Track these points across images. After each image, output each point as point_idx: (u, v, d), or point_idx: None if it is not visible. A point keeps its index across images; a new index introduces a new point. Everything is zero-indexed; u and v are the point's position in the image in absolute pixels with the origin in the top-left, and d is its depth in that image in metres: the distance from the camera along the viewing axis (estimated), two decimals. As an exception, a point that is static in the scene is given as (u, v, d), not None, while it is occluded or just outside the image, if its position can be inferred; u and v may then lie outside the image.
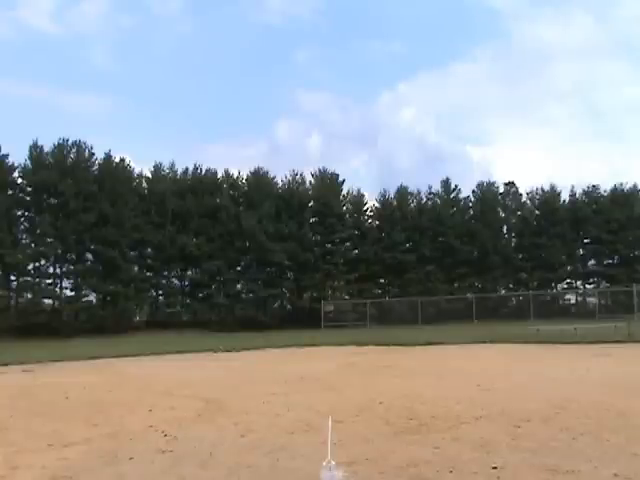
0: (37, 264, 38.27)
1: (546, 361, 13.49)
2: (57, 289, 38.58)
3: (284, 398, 8.66)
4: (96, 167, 39.64)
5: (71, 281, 38.62)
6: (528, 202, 46.81)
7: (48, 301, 38.51)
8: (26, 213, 38.47)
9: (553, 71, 75.12)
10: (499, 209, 46.65)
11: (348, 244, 45.15)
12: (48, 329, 32.21)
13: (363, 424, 6.62)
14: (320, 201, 43.85)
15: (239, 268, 42.84)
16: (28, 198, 37.93)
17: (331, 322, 34.83)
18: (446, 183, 46.34)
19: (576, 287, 46.54)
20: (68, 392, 9.82)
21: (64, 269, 38.55)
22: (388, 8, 78.37)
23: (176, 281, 43.85)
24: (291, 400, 8.47)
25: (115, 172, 39.38)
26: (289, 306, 44.44)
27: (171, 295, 42.97)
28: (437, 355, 16.23)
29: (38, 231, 37.53)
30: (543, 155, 77.19)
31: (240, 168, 46.27)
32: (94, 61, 71.77)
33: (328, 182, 45.46)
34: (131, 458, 5.29)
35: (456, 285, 44.30)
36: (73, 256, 38.53)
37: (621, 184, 45.24)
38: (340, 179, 46.02)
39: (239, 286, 43.11)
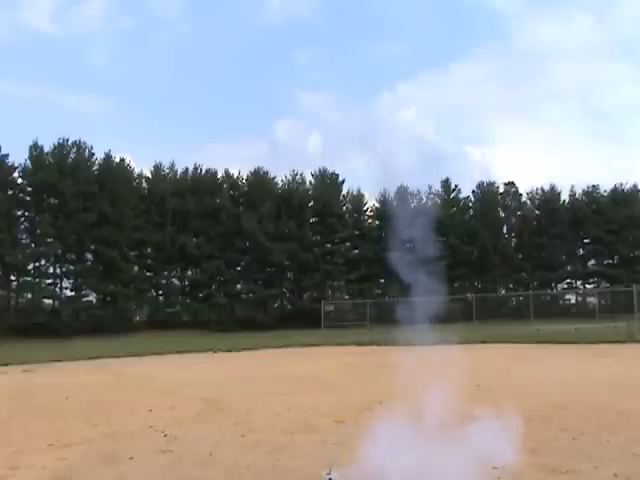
0: (37, 264, 38.27)
1: (546, 361, 13.49)
2: (57, 289, 38.57)
3: (284, 398, 8.66)
4: (96, 167, 39.62)
5: (71, 281, 38.61)
6: (528, 202, 46.78)
7: (48, 301, 38.49)
8: (26, 213, 38.45)
9: (553, 71, 74.90)
10: (499, 209, 46.62)
11: (348, 244, 45.12)
12: (48, 329, 32.18)
13: (363, 424, 6.61)
14: (320, 201, 43.83)
15: (239, 268, 42.80)
16: (28, 198, 37.91)
17: (331, 322, 34.82)
18: (446, 183, 46.31)
19: (576, 287, 46.49)
20: (68, 392, 9.82)
21: (64, 269, 38.52)
22: (388, 8, 78.18)
23: (176, 281, 43.84)
24: (291, 400, 8.46)
25: (115, 172, 39.35)
26: (289, 306, 44.43)
27: (171, 295, 42.96)
28: (437, 355, 16.19)
29: (38, 231, 37.51)
30: (543, 155, 77.00)
31: (240, 168, 46.25)
32: (94, 61, 71.52)
33: (328, 182, 45.44)
34: (131, 458, 5.29)
35: (456, 285, 44.28)
36: (73, 256, 38.50)
37: (621, 184, 45.27)
38: (340, 179, 46.04)
39: (239, 286, 43.07)
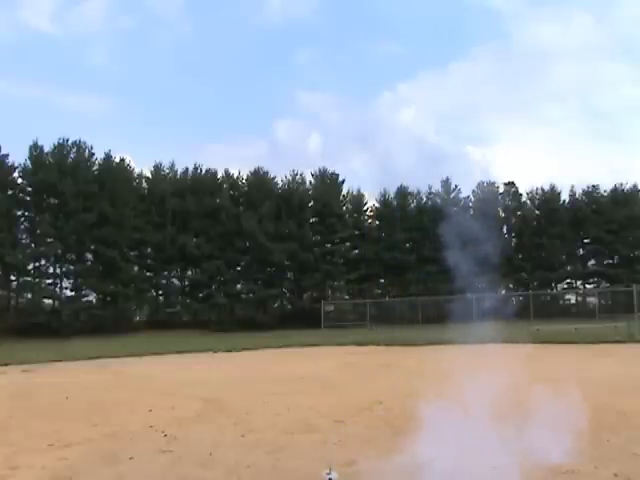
0: (37, 264, 38.27)
1: (546, 361, 13.48)
2: (57, 289, 38.57)
3: (284, 398, 8.66)
4: (96, 167, 39.64)
5: (71, 281, 38.62)
6: (528, 202, 46.78)
7: (48, 301, 38.49)
8: (26, 213, 38.45)
9: (553, 71, 74.93)
10: (499, 209, 46.61)
11: (348, 244, 45.14)
12: (48, 329, 32.19)
13: (363, 424, 6.62)
14: (320, 201, 43.84)
15: (239, 268, 42.81)
16: (28, 198, 37.91)
17: (331, 322, 34.84)
18: (446, 183, 46.32)
19: (576, 287, 46.48)
20: (68, 392, 9.82)
21: (64, 269, 38.53)
22: (388, 8, 78.23)
23: (176, 281, 43.85)
24: (291, 400, 8.46)
25: (115, 172, 39.35)
26: (289, 306, 44.44)
27: (171, 295, 42.97)
28: (437, 355, 16.20)
29: (38, 231, 37.51)
30: (543, 155, 77.00)
31: (240, 168, 46.32)
32: (94, 61, 71.57)
33: (328, 182, 45.46)
34: (131, 458, 5.29)
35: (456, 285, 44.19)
36: (73, 256, 38.50)
37: (621, 184, 45.27)
38: (340, 179, 46.07)
39: (239, 286, 43.08)
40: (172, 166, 43.89)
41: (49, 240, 37.05)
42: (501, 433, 4.86)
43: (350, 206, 46.10)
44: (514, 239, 46.76)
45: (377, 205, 46.35)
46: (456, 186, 46.20)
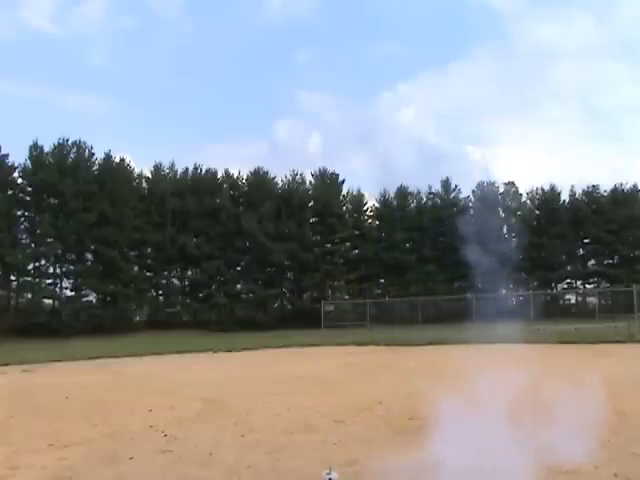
0: (37, 264, 38.28)
1: (546, 361, 13.48)
2: (57, 289, 38.59)
3: (284, 398, 8.66)
4: (96, 167, 39.67)
5: (71, 281, 38.63)
6: (528, 202, 46.79)
7: (48, 301, 38.50)
8: (26, 213, 38.48)
9: (553, 71, 74.92)
10: (499, 209, 46.61)
11: (348, 244, 45.17)
12: (48, 329, 32.19)
13: (363, 424, 6.62)
14: (320, 201, 43.85)
15: (239, 268, 42.83)
16: (28, 198, 37.93)
17: (331, 322, 34.83)
18: (446, 183, 46.33)
19: (576, 287, 46.49)
20: (68, 392, 9.81)
21: (64, 269, 38.55)
22: (388, 8, 78.16)
23: (176, 281, 43.86)
24: (291, 400, 8.46)
25: (115, 172, 39.38)
26: (289, 306, 44.44)
27: (171, 295, 42.97)
28: (437, 355, 16.21)
29: (38, 231, 37.53)
30: (543, 155, 76.92)
31: (240, 168, 46.37)
32: (94, 61, 71.51)
33: (328, 182, 45.48)
34: (131, 458, 5.29)
35: (456, 285, 44.26)
36: (73, 256, 38.52)
37: (621, 184, 45.30)
38: (340, 179, 46.10)
39: (239, 286, 43.10)
40: (172, 166, 43.97)
41: (49, 240, 37.06)
42: (501, 433, 4.86)
43: (350, 206, 46.12)
44: (514, 239, 46.74)
45: (377, 205, 46.38)
46: (456, 186, 46.31)
